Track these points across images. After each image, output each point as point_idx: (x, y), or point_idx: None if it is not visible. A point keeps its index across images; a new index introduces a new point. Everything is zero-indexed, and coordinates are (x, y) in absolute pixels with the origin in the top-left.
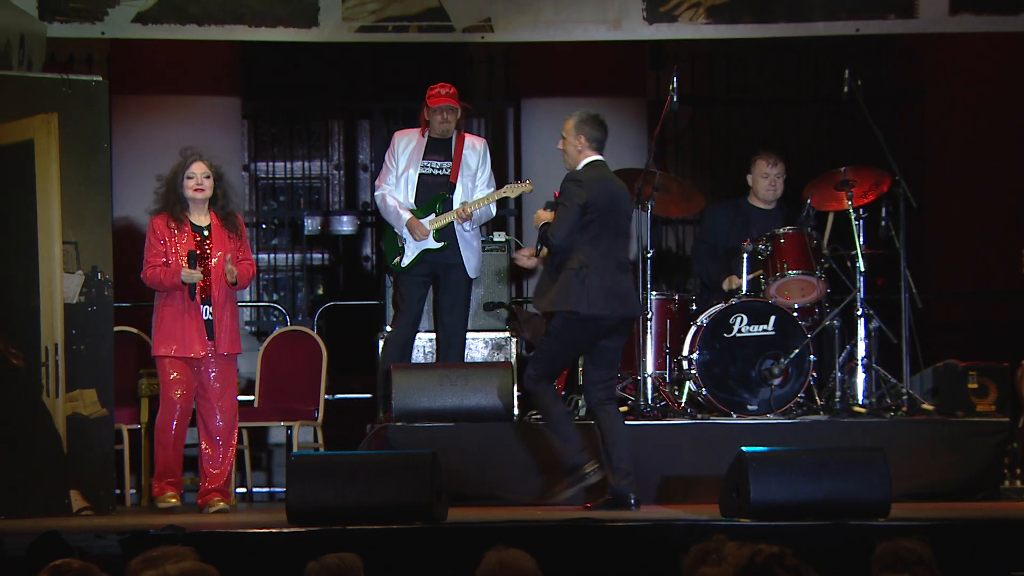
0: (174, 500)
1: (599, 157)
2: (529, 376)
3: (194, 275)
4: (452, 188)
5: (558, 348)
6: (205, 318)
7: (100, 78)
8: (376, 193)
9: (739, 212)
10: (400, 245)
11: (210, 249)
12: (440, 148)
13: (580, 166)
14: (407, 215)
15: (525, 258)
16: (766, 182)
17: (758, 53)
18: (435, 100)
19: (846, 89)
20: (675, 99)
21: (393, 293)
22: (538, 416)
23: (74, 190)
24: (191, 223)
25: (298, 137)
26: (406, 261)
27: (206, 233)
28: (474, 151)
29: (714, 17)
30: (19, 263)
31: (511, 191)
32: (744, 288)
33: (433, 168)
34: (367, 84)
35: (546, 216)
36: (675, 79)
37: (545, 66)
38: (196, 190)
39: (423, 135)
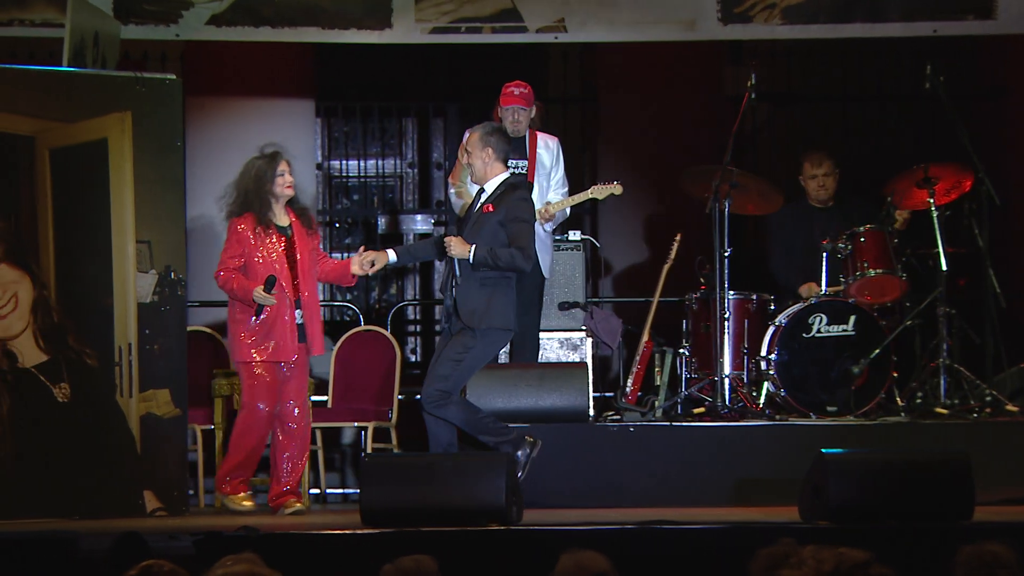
0: (248, 503)
1: (508, 172)
2: (439, 394)
3: (267, 299)
4: (529, 188)
5: (478, 363)
6: (297, 321)
7: (174, 76)
8: (450, 191)
9: (801, 214)
10: None
11: (296, 250)
12: (515, 146)
13: (495, 181)
14: None
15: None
16: (814, 183)
17: (838, 48)
18: (506, 100)
19: (927, 85)
20: (753, 96)
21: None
22: (615, 416)
23: (148, 189)
24: (276, 225)
25: (372, 135)
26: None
27: (290, 233)
28: (547, 150)
29: (789, 18)
30: (93, 263)
31: (599, 192)
32: (824, 278)
33: (510, 165)
34: (441, 81)
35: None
36: (753, 76)
37: (621, 63)
38: (288, 187)
39: None
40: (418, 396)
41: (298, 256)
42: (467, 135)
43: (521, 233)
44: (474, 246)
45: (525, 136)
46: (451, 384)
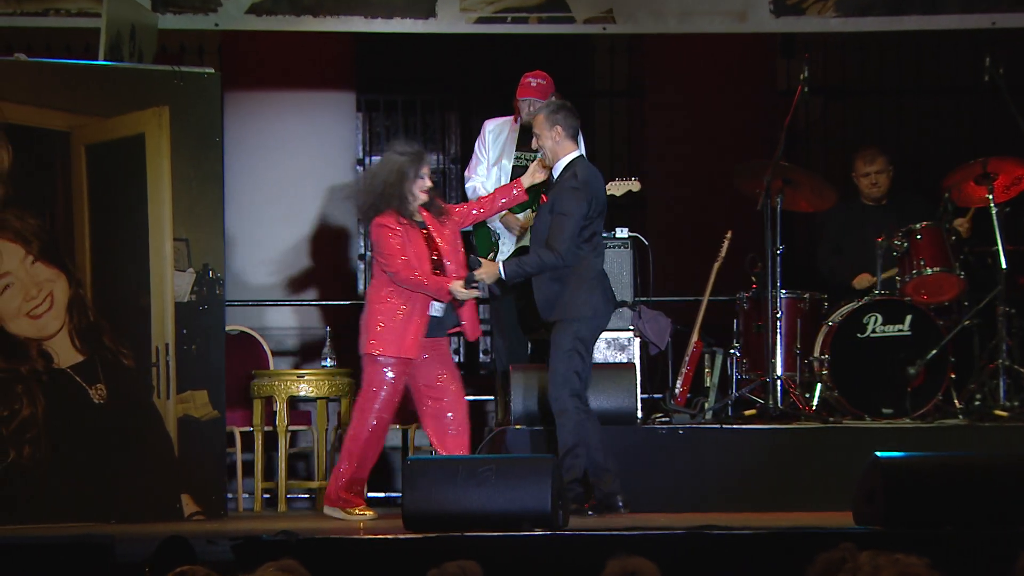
0: (371, 512)
1: (580, 151)
2: (560, 397)
3: (469, 293)
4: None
5: (582, 359)
6: (432, 314)
7: (212, 70)
8: (468, 185)
9: (854, 212)
10: (494, 240)
11: (436, 242)
12: (528, 139)
13: (563, 162)
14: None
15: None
16: (867, 181)
17: (894, 40)
18: (523, 91)
19: (987, 77)
20: (806, 89)
21: (491, 294)
22: (664, 419)
23: (185, 186)
24: (414, 220)
25: (413, 130)
26: (501, 258)
27: (427, 227)
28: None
29: (843, 10)
30: (129, 261)
31: (616, 188)
32: (878, 286)
33: (528, 159)
34: (485, 75)
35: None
36: (806, 69)
37: (670, 55)
38: (424, 192)
39: (515, 122)
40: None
41: (439, 243)
42: (488, 125)
43: (555, 227)
44: (502, 265)
45: None
46: (557, 384)
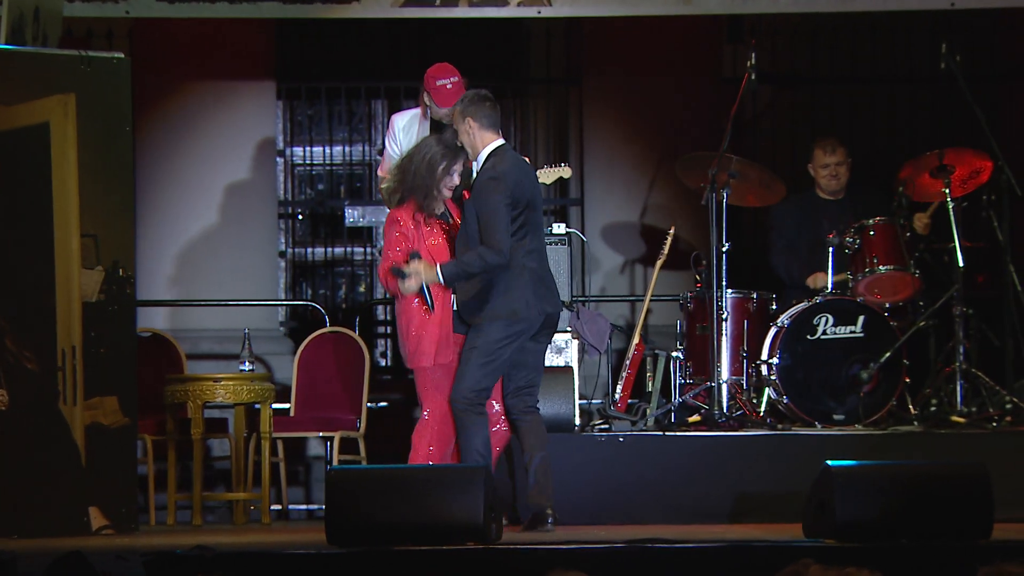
0: None
1: (501, 140)
2: (461, 397)
3: (406, 285)
4: (470, 174)
5: (492, 358)
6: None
7: (122, 55)
8: (383, 185)
9: (808, 206)
10: None
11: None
12: (446, 130)
13: (484, 154)
14: None
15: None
16: (826, 172)
17: (847, 26)
18: (443, 100)
19: (943, 66)
20: (754, 77)
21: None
22: (604, 426)
23: (93, 178)
24: (437, 216)
25: (338, 119)
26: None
27: (450, 219)
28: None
29: None
30: (33, 258)
31: (546, 176)
32: (830, 286)
33: None
34: (413, 61)
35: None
36: (753, 55)
37: (609, 40)
38: (449, 190)
39: (424, 116)
40: (383, 404)
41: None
42: (397, 120)
43: (484, 225)
44: (439, 267)
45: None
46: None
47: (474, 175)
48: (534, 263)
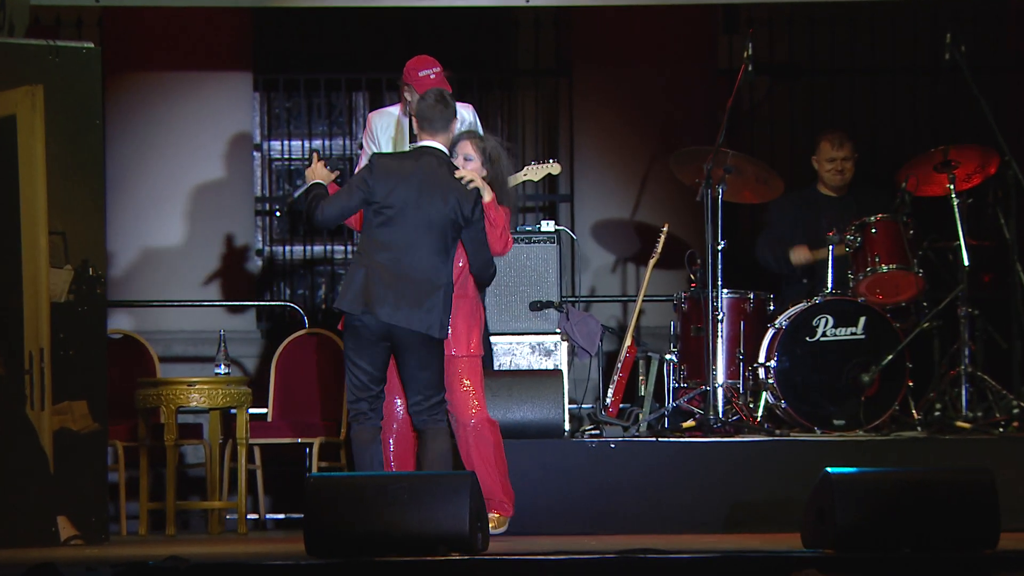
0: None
1: (430, 143)
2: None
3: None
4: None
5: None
6: None
7: (92, 45)
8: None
9: (807, 203)
10: None
11: None
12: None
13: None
14: None
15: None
16: (832, 167)
17: (847, 15)
18: (422, 85)
19: (947, 56)
20: (751, 68)
21: None
22: (594, 431)
23: (62, 173)
24: None
25: (318, 112)
26: None
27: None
28: (463, 123)
29: None
30: None
31: (534, 173)
32: (830, 268)
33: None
34: (396, 52)
35: None
36: (750, 45)
37: (600, 31)
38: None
39: (404, 113)
40: None
41: None
42: (375, 118)
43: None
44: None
45: None
46: None
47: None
48: (395, 267)
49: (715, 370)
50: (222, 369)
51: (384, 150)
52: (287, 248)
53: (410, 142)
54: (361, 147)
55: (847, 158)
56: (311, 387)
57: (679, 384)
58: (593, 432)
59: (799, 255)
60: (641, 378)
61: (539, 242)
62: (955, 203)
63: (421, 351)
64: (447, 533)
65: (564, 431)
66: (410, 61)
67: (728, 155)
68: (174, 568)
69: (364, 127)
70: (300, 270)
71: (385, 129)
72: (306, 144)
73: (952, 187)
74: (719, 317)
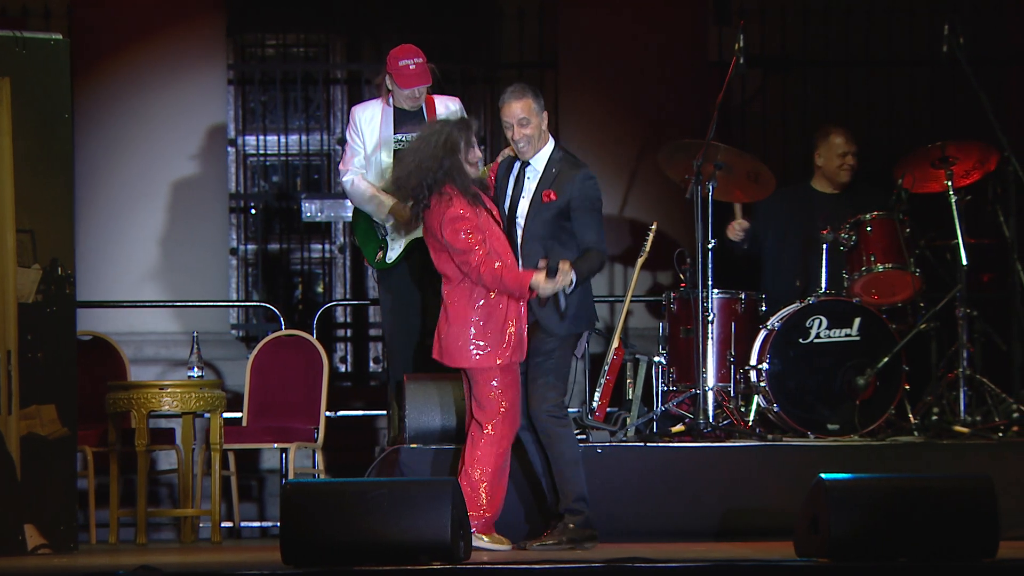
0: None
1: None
2: (553, 405)
3: (555, 286)
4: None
5: (568, 368)
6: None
7: (60, 36)
8: (344, 178)
9: (800, 200)
10: (381, 237)
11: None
12: (411, 119)
13: (548, 152)
14: (389, 200)
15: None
16: (843, 162)
17: (841, 6)
18: (406, 81)
19: (945, 48)
20: (742, 60)
21: (381, 295)
22: (581, 436)
23: (30, 169)
24: (480, 202)
25: (294, 107)
26: (392, 256)
27: (489, 207)
28: (451, 115)
29: None
30: None
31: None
32: (824, 280)
33: (409, 143)
34: (375, 44)
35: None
36: (741, 37)
37: (587, 21)
38: (477, 163)
39: (387, 103)
40: (343, 413)
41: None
42: (358, 112)
43: (590, 225)
44: (573, 269)
45: (421, 105)
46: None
47: (527, 166)
48: None
49: (705, 373)
50: (195, 372)
51: (369, 143)
52: (262, 246)
53: (395, 133)
54: (342, 142)
55: (855, 154)
56: (287, 390)
57: (668, 387)
58: (580, 437)
59: (731, 230)
60: (629, 381)
61: None
62: (953, 200)
63: None
64: (428, 541)
65: None
66: (393, 50)
67: (719, 150)
68: None
69: (348, 122)
70: (276, 269)
71: (369, 121)
72: (282, 139)
73: (950, 184)
74: (709, 318)
